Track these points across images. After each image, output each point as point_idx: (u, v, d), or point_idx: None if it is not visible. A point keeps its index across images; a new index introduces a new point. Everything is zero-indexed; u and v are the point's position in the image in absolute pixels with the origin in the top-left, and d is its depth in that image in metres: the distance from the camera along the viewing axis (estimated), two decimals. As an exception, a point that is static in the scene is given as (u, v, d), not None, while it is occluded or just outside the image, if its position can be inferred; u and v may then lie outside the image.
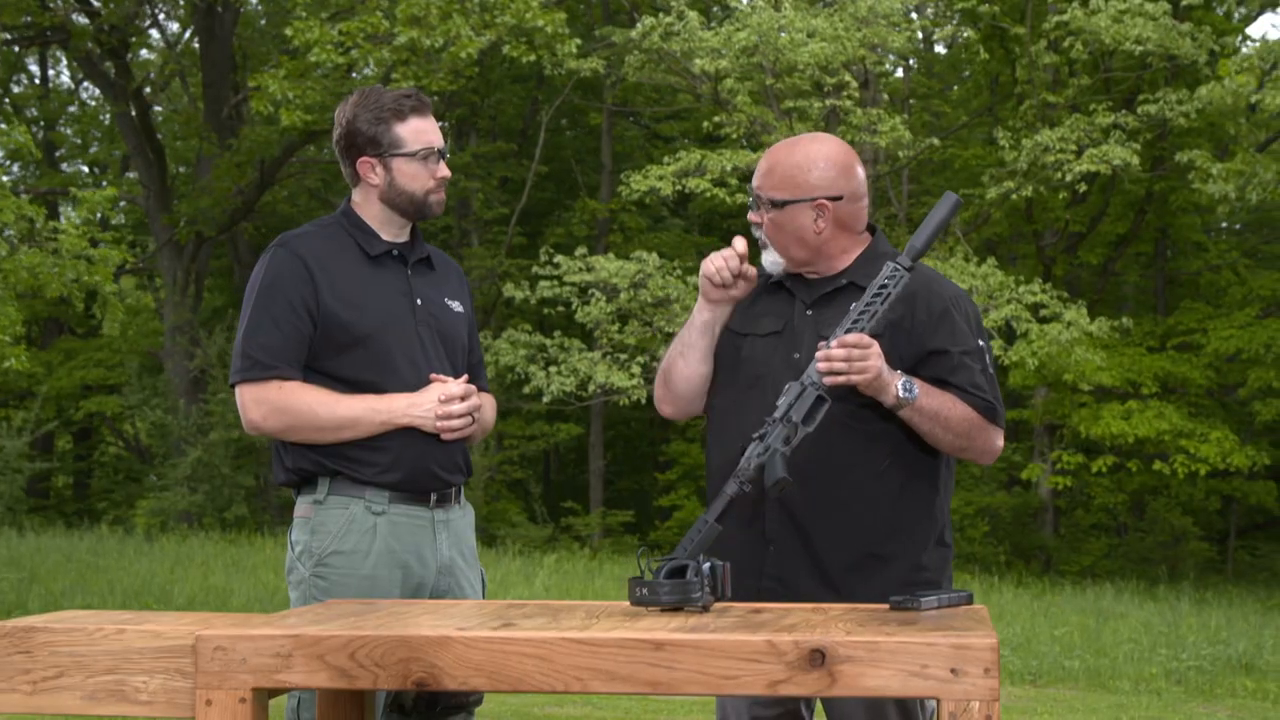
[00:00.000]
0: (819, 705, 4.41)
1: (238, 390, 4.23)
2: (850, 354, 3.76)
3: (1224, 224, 29.57)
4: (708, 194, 20.92)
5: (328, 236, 4.35)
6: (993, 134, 24.10)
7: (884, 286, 3.83)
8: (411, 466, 4.22)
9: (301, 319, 4.19)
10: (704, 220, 31.89)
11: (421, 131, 4.32)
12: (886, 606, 3.60)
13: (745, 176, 21.51)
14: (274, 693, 3.28)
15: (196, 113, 29.84)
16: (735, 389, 4.15)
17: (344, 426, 4.16)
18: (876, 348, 3.81)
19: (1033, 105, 22.61)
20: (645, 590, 3.52)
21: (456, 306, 4.48)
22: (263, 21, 32.52)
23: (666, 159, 21.33)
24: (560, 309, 21.75)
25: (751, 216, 4.18)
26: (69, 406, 31.84)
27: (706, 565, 3.53)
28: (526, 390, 21.23)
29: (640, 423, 32.94)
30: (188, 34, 32.74)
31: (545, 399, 21.10)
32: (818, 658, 3.01)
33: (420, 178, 4.32)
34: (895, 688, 3.02)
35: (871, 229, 4.23)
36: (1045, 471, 24.12)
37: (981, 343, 4.07)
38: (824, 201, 4.06)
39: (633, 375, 20.48)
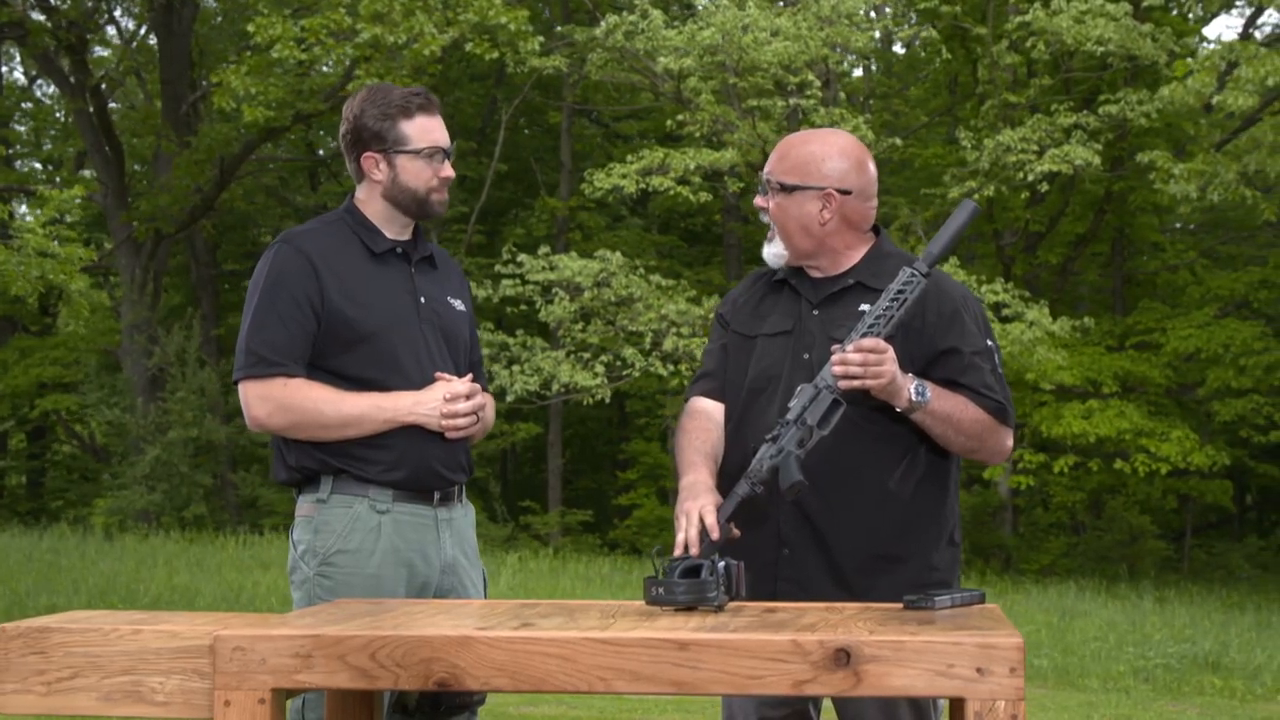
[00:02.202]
0: (825, 704, 4.40)
1: (241, 387, 4.18)
2: (866, 359, 3.77)
3: (1178, 224, 29.71)
4: (671, 192, 20.89)
5: (331, 233, 4.31)
6: (953, 134, 24.16)
7: (900, 292, 3.83)
8: (415, 465, 4.20)
9: (306, 316, 4.15)
10: (663, 220, 31.91)
11: (428, 130, 4.30)
12: (900, 606, 3.60)
13: (708, 175, 21.52)
14: (291, 693, 3.25)
15: (154, 110, 29.66)
16: (745, 390, 4.14)
17: (349, 424, 4.13)
18: (891, 353, 3.81)
19: (994, 105, 22.68)
20: (661, 590, 3.51)
21: (459, 305, 4.46)
22: (218, 19, 32.36)
23: (629, 157, 21.30)
24: (523, 308, 21.69)
25: (758, 201, 4.18)
26: (23, 405, 31.64)
27: (721, 564, 3.53)
28: (489, 389, 21.13)
29: (598, 422, 32.95)
30: (143, 30, 32.56)
31: (509, 398, 21.04)
32: (843, 657, 3.00)
33: (423, 175, 4.30)
34: (921, 687, 3.01)
35: (875, 229, 4.23)
36: (1006, 471, 24.20)
37: (990, 343, 4.08)
38: (833, 193, 4.06)
39: (596, 375, 20.45)
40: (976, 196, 21.64)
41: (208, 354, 28.09)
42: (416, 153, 4.28)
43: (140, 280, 27.40)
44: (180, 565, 17.05)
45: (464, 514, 4.38)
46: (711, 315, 20.36)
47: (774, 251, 4.16)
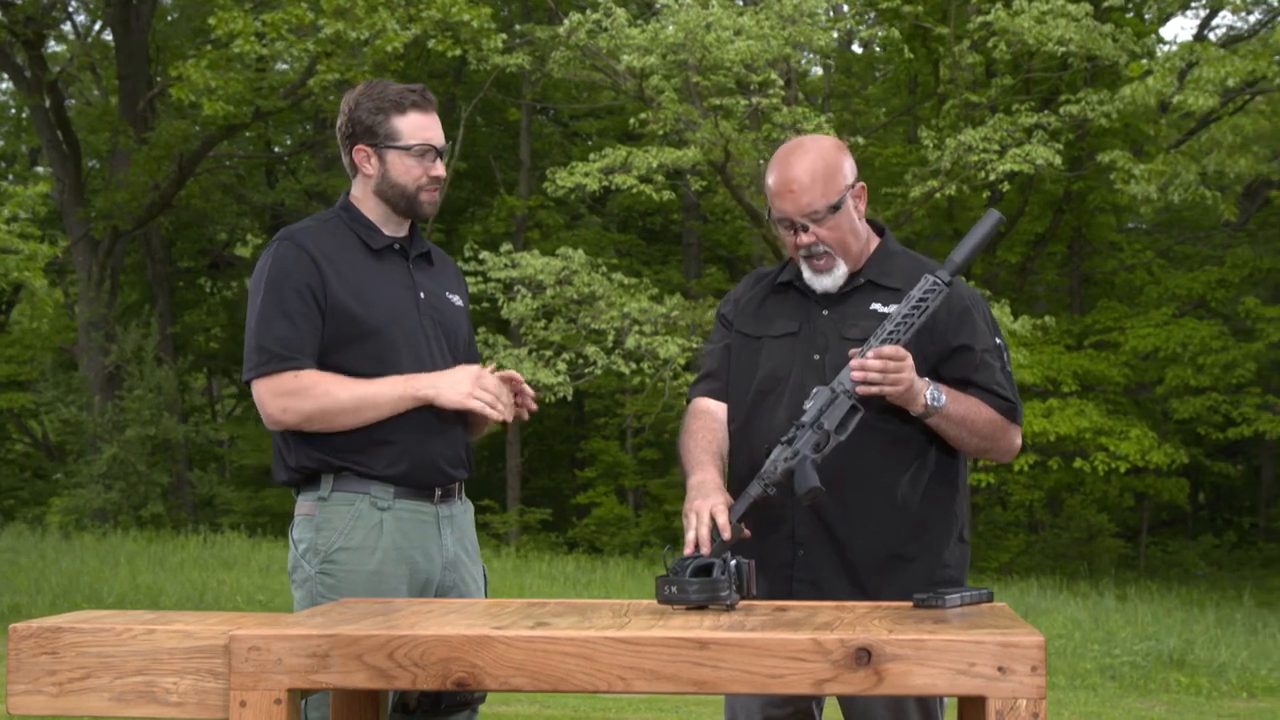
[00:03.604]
0: (829, 701, 4.39)
1: (255, 385, 4.14)
2: (886, 365, 3.78)
3: (1131, 224, 29.85)
4: (634, 190, 20.85)
5: (330, 230, 4.28)
6: (913, 133, 24.18)
7: (923, 300, 3.84)
8: (417, 461, 4.17)
9: (312, 309, 4.12)
10: (622, 218, 31.90)
11: (421, 127, 4.27)
12: (910, 604, 3.60)
13: (670, 174, 21.48)
14: (306, 693, 3.23)
15: (110, 106, 29.47)
16: (754, 392, 4.14)
17: (364, 403, 4.08)
18: (910, 360, 3.82)
19: (955, 105, 22.72)
20: (674, 589, 3.50)
21: (456, 300, 4.45)
22: (172, 17, 32.16)
23: (592, 155, 21.26)
24: (485, 305, 21.62)
25: (803, 239, 4.08)
26: (-24, 404, 31.41)
27: (732, 563, 3.52)
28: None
29: (557, 420, 32.88)
30: (99, 26, 32.35)
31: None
32: (864, 656, 3.00)
33: (413, 172, 4.27)
34: (942, 686, 3.00)
35: (880, 229, 4.25)
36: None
37: (999, 341, 4.10)
38: (859, 186, 4.11)
39: (559, 372, 20.40)
40: (938, 195, 21.71)
41: (165, 352, 27.94)
42: (407, 149, 4.25)
43: (97, 277, 27.23)
44: (142, 564, 16.95)
45: (464, 511, 4.35)
46: (674, 313, 20.45)
47: (834, 280, 4.12)
